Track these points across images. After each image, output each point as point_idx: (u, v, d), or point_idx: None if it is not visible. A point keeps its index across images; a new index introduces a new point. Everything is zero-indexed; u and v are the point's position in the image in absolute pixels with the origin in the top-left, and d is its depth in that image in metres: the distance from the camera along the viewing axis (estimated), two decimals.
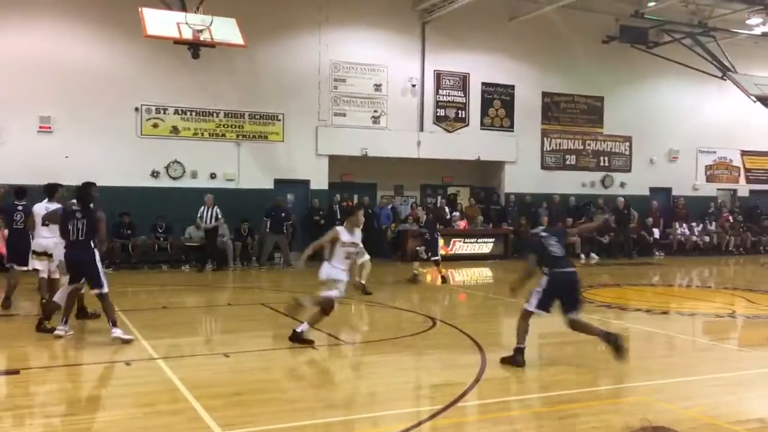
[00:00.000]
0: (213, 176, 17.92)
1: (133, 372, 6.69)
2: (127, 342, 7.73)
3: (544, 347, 7.90)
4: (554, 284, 7.05)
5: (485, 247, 19.50)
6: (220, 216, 16.41)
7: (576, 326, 7.13)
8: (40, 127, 16.35)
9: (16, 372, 6.65)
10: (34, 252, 9.96)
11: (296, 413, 5.46)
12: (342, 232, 8.03)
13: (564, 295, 7.08)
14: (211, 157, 17.84)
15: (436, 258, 14.48)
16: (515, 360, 7.04)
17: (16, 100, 15.94)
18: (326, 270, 8.02)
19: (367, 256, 12.37)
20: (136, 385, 6.23)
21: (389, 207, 19.88)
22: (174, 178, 17.50)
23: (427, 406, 5.86)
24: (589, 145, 22.38)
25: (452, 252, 18.97)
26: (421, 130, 20.14)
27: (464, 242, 19.38)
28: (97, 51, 16.79)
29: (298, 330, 7.95)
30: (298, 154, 18.78)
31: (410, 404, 6.07)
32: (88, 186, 8.42)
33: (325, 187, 19.08)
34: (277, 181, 18.58)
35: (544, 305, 7.08)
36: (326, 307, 7.92)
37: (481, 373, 6.77)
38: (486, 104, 20.99)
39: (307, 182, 18.99)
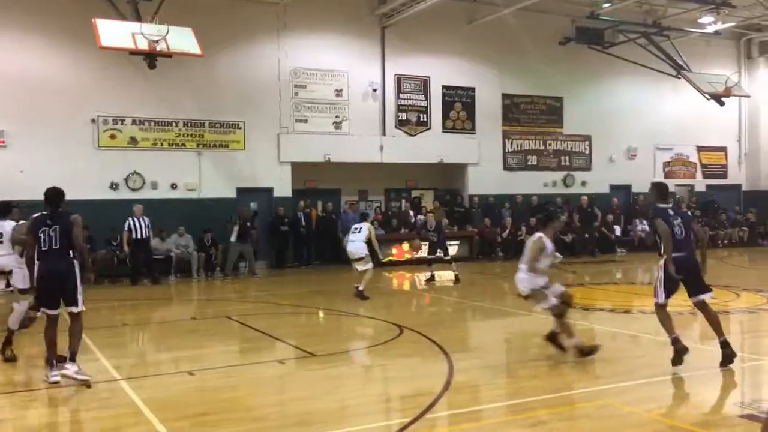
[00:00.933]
0: (174, 186, 17.68)
1: (95, 395, 6.53)
2: (82, 383, 6.69)
3: (511, 352, 7.93)
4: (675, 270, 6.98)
5: (450, 249, 19.51)
6: (149, 225, 16.02)
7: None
8: None
9: None
10: None
11: (269, 431, 5.38)
12: (546, 241, 7.80)
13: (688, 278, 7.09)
14: (172, 168, 17.60)
15: (448, 257, 15.28)
16: (678, 352, 6.99)
17: None
18: (529, 281, 7.73)
19: (370, 265, 12.74)
20: (99, 409, 6.09)
21: (355, 213, 19.78)
22: (134, 190, 17.23)
23: (398, 418, 5.83)
24: (549, 145, 22.63)
25: (418, 255, 18.98)
26: (384, 134, 20.15)
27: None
28: (52, 62, 16.46)
29: (573, 343, 7.59)
30: (260, 162, 18.64)
31: (380, 417, 6.03)
32: (57, 189, 7.13)
33: (289, 194, 18.96)
34: (240, 190, 18.41)
35: (670, 293, 7.12)
36: (561, 311, 7.67)
37: (448, 381, 6.77)
38: (447, 107, 21.10)
39: (270, 190, 18.85)
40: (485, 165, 21.40)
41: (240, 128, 18.39)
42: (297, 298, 13.05)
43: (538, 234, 7.94)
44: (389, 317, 10.65)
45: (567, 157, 22.87)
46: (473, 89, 21.38)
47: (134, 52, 13.30)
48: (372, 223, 19.05)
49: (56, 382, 6.67)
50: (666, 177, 24.13)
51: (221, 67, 17.89)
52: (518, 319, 9.94)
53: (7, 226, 9.27)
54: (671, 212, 7.25)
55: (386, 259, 18.56)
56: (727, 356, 7.00)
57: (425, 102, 20.79)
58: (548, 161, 22.58)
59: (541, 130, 22.48)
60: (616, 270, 17.63)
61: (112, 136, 17.09)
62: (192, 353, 8.63)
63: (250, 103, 18.37)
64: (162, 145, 17.60)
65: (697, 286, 7.19)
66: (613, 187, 23.17)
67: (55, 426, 5.89)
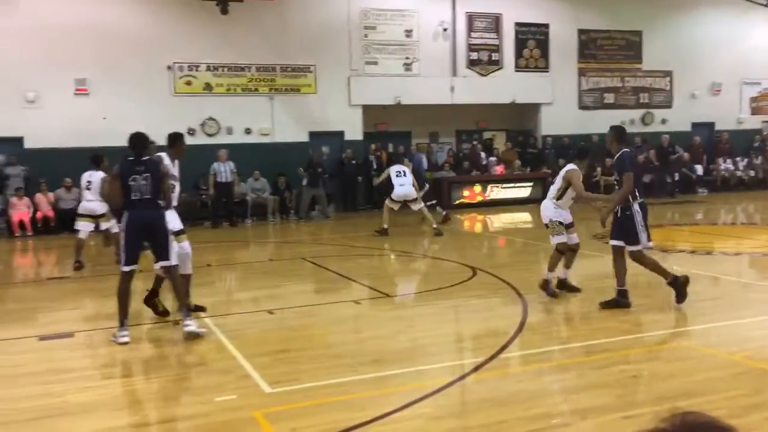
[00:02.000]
0: (248, 131, 18.00)
1: (181, 330, 6.86)
2: (201, 334, 6.53)
3: (586, 293, 7.86)
4: (643, 214, 6.97)
5: (523, 191, 19.33)
6: (235, 170, 16.48)
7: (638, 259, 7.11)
8: (77, 90, 16.54)
9: (70, 335, 6.90)
10: (80, 215, 10.76)
11: (342, 369, 5.57)
12: (579, 175, 7.72)
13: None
14: (246, 113, 17.89)
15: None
16: (620, 302, 7.03)
17: (52, 64, 16.08)
18: (554, 212, 7.72)
19: (422, 203, 13.74)
20: (186, 344, 6.41)
21: (423, 154, 19.72)
22: (210, 135, 17.62)
23: (471, 358, 5.91)
24: (627, 82, 21.82)
25: (489, 197, 18.88)
26: (455, 75, 19.84)
27: (501, 187, 19.23)
28: (129, 11, 16.79)
29: (547, 275, 7.73)
30: (331, 106, 18.71)
31: (454, 357, 6.14)
32: (142, 134, 6.65)
33: (360, 137, 19.03)
34: (312, 134, 18.58)
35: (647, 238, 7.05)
36: (564, 249, 7.73)
37: (522, 322, 6.80)
38: (520, 45, 20.54)
39: (341, 133, 18.95)
40: (559, 104, 20.86)
41: (311, 72, 18.45)
42: (369, 240, 13.23)
43: (573, 165, 7.83)
44: (462, 259, 10.69)
45: (646, 95, 22.02)
46: (547, 25, 20.70)
47: None
48: (443, 168, 19.08)
49: (125, 343, 6.35)
50: (753, 113, 22.98)
51: (292, 10, 17.88)
52: (593, 261, 9.80)
53: (96, 176, 9.94)
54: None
55: (458, 202, 18.55)
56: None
57: (497, 40, 20.28)
58: (626, 99, 21.80)
59: (619, 66, 21.66)
60: (697, 211, 17.07)
61: (188, 83, 17.45)
62: (271, 293, 8.92)
63: (320, 46, 18.35)
64: (235, 90, 17.87)
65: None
66: (695, 125, 22.24)
67: (148, 360, 6.24)
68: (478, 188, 18.90)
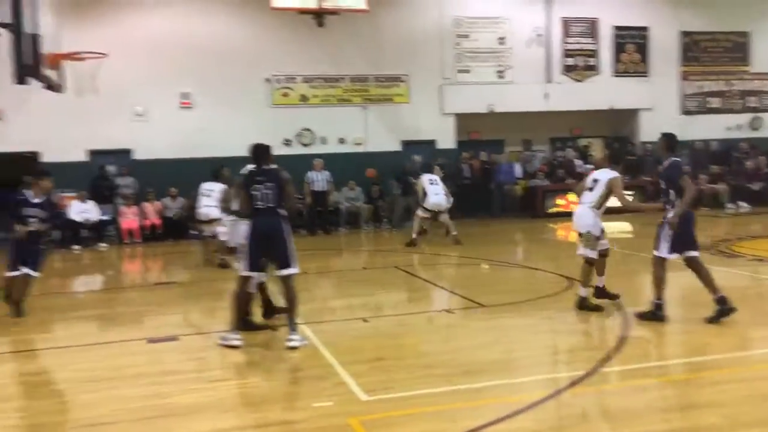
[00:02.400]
0: (342, 141, 18.32)
1: (279, 336, 7.05)
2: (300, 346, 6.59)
3: (688, 307, 7.54)
4: (686, 223, 6.83)
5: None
6: (330, 180, 16.80)
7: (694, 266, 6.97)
8: (181, 104, 17.32)
9: (176, 338, 7.22)
10: (198, 221, 11.82)
11: (436, 379, 5.57)
12: (621, 182, 7.66)
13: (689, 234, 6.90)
14: (340, 123, 18.23)
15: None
16: (655, 315, 6.80)
17: (158, 79, 16.91)
18: (594, 221, 7.64)
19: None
20: (283, 351, 6.57)
21: (516, 162, 19.45)
22: (305, 145, 18.05)
23: (568, 371, 5.79)
24: (734, 85, 20.81)
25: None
26: (549, 81, 19.51)
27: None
28: (230, 26, 17.44)
29: (583, 293, 7.64)
30: (423, 115, 18.79)
31: (550, 370, 6.03)
32: (264, 145, 6.89)
33: (453, 146, 19.01)
34: (405, 143, 18.71)
35: (675, 249, 6.90)
36: (593, 262, 7.66)
37: (622, 335, 6.60)
38: (618, 49, 19.99)
39: (433, 142, 18.99)
40: (659, 109, 20.12)
41: (403, 81, 18.61)
42: (462, 249, 13.17)
43: (615, 172, 7.63)
44: (557, 269, 10.47)
45: (754, 98, 20.94)
46: (646, 29, 20.05)
47: (303, 11, 13.77)
48: (536, 176, 18.75)
49: (236, 346, 6.56)
50: None
51: (385, 20, 18.09)
52: (683, 275, 9.37)
53: (217, 187, 10.52)
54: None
55: (552, 210, 18.19)
56: None
57: (594, 45, 19.82)
58: (732, 103, 20.81)
59: (724, 69, 20.69)
60: None
61: (285, 94, 17.96)
62: (364, 301, 9.03)
63: (413, 55, 18.49)
64: (330, 101, 18.24)
65: None
66: None
67: (247, 364, 6.44)
68: (572, 197, 18.44)
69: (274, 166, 6.84)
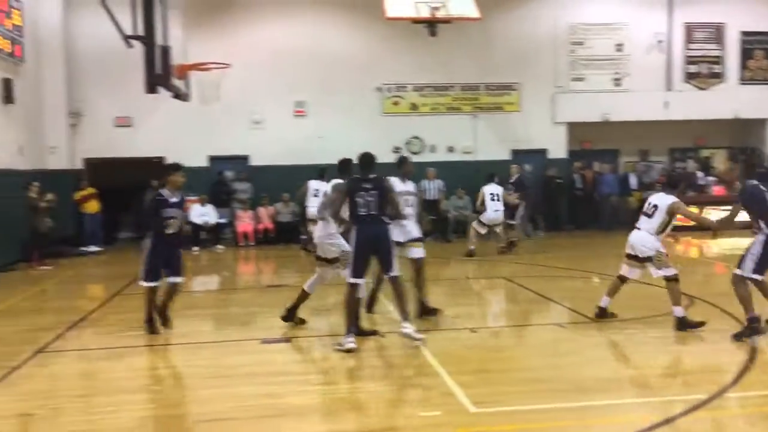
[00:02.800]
0: (451, 149, 18.32)
1: (389, 343, 7.12)
2: (418, 341, 6.85)
3: None
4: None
5: (746, 214, 17.61)
6: (443, 189, 16.79)
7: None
8: (296, 112, 17.88)
9: (288, 340, 7.44)
10: (309, 220, 12.10)
11: (544, 394, 5.46)
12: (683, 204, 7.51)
13: None
14: (449, 131, 18.25)
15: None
16: (754, 330, 6.63)
17: (275, 87, 17.55)
18: (654, 243, 7.50)
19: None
20: (391, 357, 6.64)
21: (632, 173, 18.77)
22: (414, 153, 18.12)
23: (687, 394, 5.51)
24: None
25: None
26: (669, 89, 18.74)
27: (721, 210, 17.67)
28: (343, 36, 17.87)
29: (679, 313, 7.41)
30: (534, 123, 18.50)
31: (667, 392, 5.75)
32: (371, 154, 7.29)
33: (564, 155, 18.59)
34: (514, 152, 18.46)
35: (761, 269, 6.75)
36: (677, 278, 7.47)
37: (750, 358, 6.22)
38: (746, 56, 18.95)
39: (544, 151, 18.64)
40: None
41: (515, 90, 18.39)
42: (572, 261, 12.84)
43: (673, 197, 7.42)
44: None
45: None
46: None
47: (417, 21, 13.87)
48: (653, 187, 17.96)
49: (351, 350, 6.67)
50: None
51: (497, 28, 17.96)
52: None
53: (324, 185, 10.75)
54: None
55: None
56: None
57: (719, 51, 18.85)
58: None
59: None
60: None
61: (395, 103, 18.18)
62: (471, 311, 8.97)
63: (525, 63, 18.25)
64: (440, 109, 18.30)
65: None
66: None
67: (355, 369, 6.54)
68: (693, 210, 17.56)
69: (379, 175, 7.06)
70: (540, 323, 8.22)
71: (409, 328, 6.85)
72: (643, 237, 7.55)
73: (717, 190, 18.19)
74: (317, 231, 7.78)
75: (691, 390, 5.54)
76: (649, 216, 7.51)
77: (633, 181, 18.40)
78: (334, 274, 7.73)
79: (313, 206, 11.92)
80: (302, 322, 7.98)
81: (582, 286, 11.12)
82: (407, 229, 7.88)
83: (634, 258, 7.66)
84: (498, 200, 13.68)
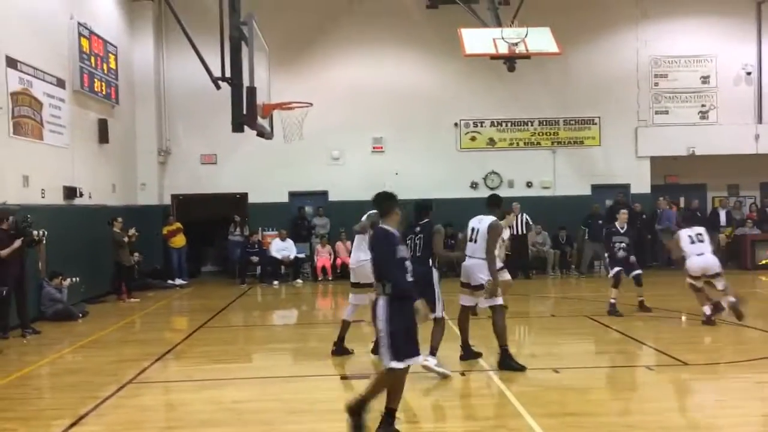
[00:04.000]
0: (529, 185, 18.10)
1: (468, 383, 7.00)
2: (444, 377, 7.11)
3: None
4: None
5: None
6: (531, 223, 16.51)
7: None
8: (374, 148, 18.10)
9: (367, 376, 7.40)
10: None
11: None
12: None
13: None
14: (527, 166, 18.06)
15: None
16: None
17: (354, 124, 17.86)
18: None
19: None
20: (473, 397, 6.51)
21: (723, 209, 18.06)
22: (492, 188, 18.01)
23: None
24: None
25: None
26: (760, 122, 18.01)
27: None
28: (421, 73, 18.07)
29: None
30: (616, 158, 18.11)
31: None
32: (426, 202, 7.66)
33: (648, 190, 18.06)
34: (594, 187, 18.09)
35: None
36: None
37: None
38: None
39: (627, 186, 18.17)
40: None
41: (595, 124, 18.09)
42: (657, 299, 12.33)
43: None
44: None
45: None
46: None
47: (495, 57, 13.87)
48: (744, 224, 17.19)
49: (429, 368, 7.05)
50: None
51: (577, 63, 17.78)
52: None
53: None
54: None
55: (763, 262, 16.60)
56: None
57: None
58: None
59: None
60: None
61: (473, 138, 18.16)
62: (555, 350, 8.72)
63: (605, 97, 17.96)
64: (518, 144, 18.15)
65: None
66: None
67: (436, 408, 6.44)
68: None
69: (429, 221, 7.41)
70: (628, 365, 7.91)
71: (431, 361, 7.10)
72: (714, 258, 9.76)
73: None
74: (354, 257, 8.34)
75: None
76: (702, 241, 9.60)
77: (723, 217, 17.68)
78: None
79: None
80: (350, 352, 8.38)
81: (669, 326, 10.66)
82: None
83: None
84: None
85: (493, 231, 7.57)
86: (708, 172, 18.43)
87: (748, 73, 17.95)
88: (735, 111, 18.01)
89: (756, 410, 6.15)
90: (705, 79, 18.06)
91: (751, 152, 17.81)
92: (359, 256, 8.15)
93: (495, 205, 7.95)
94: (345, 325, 8.41)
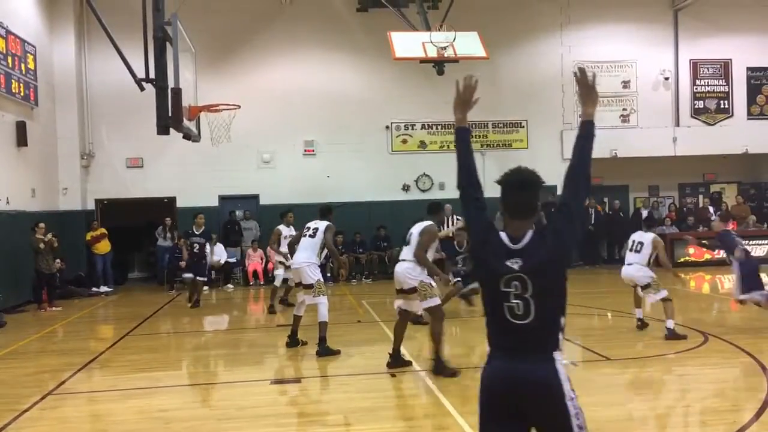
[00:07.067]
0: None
1: (400, 383, 7.03)
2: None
3: None
4: None
5: (759, 249, 17.52)
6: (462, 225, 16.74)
7: None
8: (305, 151, 18.00)
9: (298, 380, 7.35)
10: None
11: None
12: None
13: None
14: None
15: None
16: None
17: (285, 127, 17.73)
18: (650, 271, 9.09)
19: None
20: (406, 397, 6.53)
21: (646, 210, 18.75)
22: (423, 191, 18.20)
23: None
24: None
25: (719, 256, 17.32)
26: (677, 125, 18.79)
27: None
28: (352, 77, 18.08)
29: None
30: (542, 160, 18.44)
31: None
32: (326, 207, 9.21)
33: None
34: None
35: None
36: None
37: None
38: (753, 91, 19.03)
39: (553, 187, 18.58)
40: None
41: (523, 127, 18.49)
42: (584, 298, 12.70)
43: (655, 234, 9.35)
44: (689, 323, 9.89)
45: None
46: None
47: (424, 60, 13.99)
48: (664, 223, 17.89)
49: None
50: None
51: (504, 67, 18.14)
52: None
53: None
54: None
55: (682, 260, 17.28)
56: None
57: (726, 87, 18.94)
58: None
59: None
60: None
61: (404, 141, 18.29)
62: (471, 350, 8.83)
63: (532, 101, 18.37)
64: (448, 147, 18.34)
65: None
66: None
67: (372, 409, 6.45)
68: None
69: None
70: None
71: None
72: (637, 269, 9.21)
73: (729, 225, 18.03)
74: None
75: (711, 430, 5.40)
76: (636, 251, 9.22)
77: (645, 216, 18.30)
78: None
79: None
80: (303, 343, 8.93)
81: (596, 324, 11.00)
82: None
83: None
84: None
85: (426, 234, 7.61)
86: (630, 174, 19.09)
87: (666, 78, 18.70)
88: (654, 115, 18.73)
89: (675, 401, 6.39)
90: (626, 84, 18.72)
91: (669, 154, 18.54)
92: (308, 256, 8.69)
93: (434, 212, 8.14)
94: (296, 319, 9.00)
